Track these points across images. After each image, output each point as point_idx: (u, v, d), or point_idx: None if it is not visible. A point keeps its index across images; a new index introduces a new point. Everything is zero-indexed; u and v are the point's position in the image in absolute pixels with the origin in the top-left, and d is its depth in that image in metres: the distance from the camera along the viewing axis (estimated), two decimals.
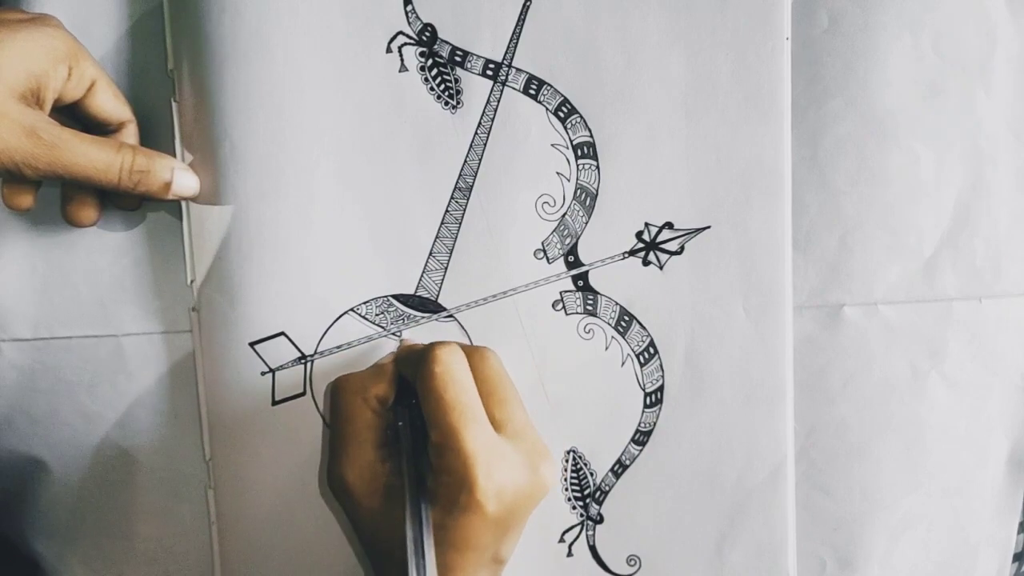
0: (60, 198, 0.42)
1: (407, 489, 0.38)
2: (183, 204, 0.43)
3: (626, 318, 0.45)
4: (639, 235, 0.45)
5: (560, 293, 0.45)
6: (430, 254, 0.44)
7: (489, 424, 0.39)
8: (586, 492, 0.46)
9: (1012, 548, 0.50)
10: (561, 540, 0.46)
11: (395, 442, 0.41)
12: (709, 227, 0.45)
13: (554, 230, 0.45)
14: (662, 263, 0.45)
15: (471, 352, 0.41)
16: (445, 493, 0.38)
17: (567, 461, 0.46)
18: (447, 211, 0.44)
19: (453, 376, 0.38)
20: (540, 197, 0.45)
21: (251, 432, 0.44)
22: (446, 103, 0.44)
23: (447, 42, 0.44)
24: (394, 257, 0.44)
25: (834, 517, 0.48)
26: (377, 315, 0.44)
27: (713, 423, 0.46)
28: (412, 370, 0.40)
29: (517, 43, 0.44)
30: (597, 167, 0.45)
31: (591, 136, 0.44)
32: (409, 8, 0.43)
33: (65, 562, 0.46)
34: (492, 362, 0.41)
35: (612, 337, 0.46)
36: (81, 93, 0.39)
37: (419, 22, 0.43)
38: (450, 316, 0.45)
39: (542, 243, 0.45)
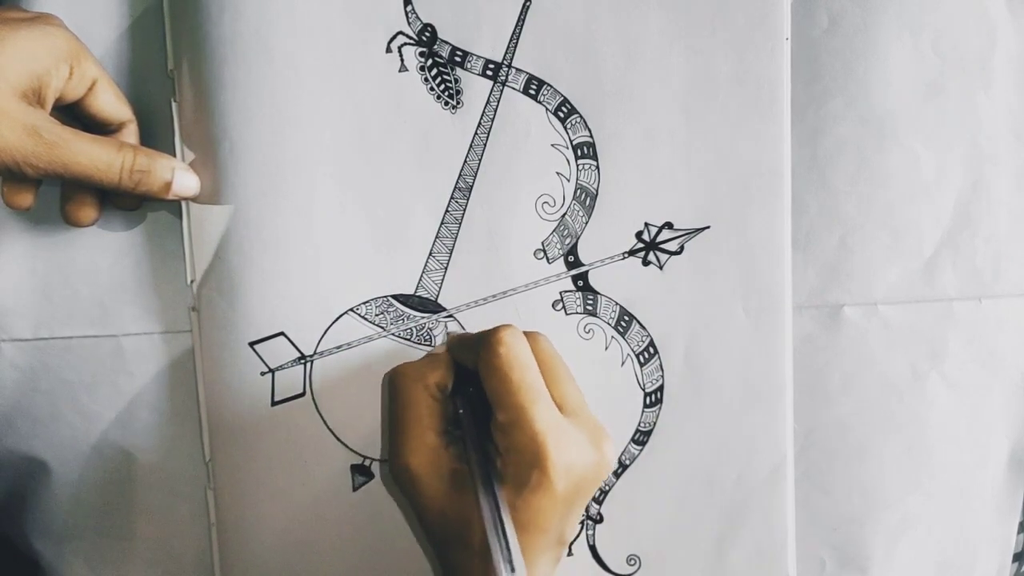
0: (60, 198, 0.42)
1: (476, 472, 0.38)
2: (183, 204, 0.43)
3: (626, 318, 0.45)
4: (639, 235, 0.45)
5: (560, 293, 0.45)
6: (430, 254, 0.44)
7: (553, 403, 0.39)
8: None
9: (1012, 548, 0.50)
10: None
11: (457, 428, 0.41)
12: (709, 227, 0.45)
13: (554, 230, 0.45)
14: (662, 263, 0.45)
15: (526, 335, 0.41)
16: (515, 472, 0.37)
17: None
18: (447, 211, 0.44)
19: (518, 356, 0.38)
20: (540, 197, 0.45)
21: (251, 432, 0.44)
22: (446, 103, 0.44)
23: (447, 42, 0.44)
24: (394, 257, 0.44)
25: (834, 517, 0.48)
26: (377, 315, 0.44)
27: (713, 423, 0.46)
28: (470, 355, 0.40)
29: (517, 43, 0.44)
30: (597, 167, 0.45)
31: (591, 136, 0.44)
32: (409, 8, 0.43)
33: (65, 562, 0.46)
34: (545, 344, 0.41)
35: (612, 337, 0.46)
36: (82, 92, 0.39)
37: (419, 22, 0.43)
38: (450, 316, 0.45)
39: (542, 243, 0.45)
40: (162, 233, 0.44)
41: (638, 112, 0.44)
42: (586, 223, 0.45)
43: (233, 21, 0.41)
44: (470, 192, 0.44)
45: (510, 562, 0.35)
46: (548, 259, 0.45)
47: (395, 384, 0.42)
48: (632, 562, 0.47)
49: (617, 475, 0.46)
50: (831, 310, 0.47)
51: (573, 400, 0.40)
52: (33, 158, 0.36)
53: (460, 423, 0.41)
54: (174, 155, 0.43)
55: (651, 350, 0.46)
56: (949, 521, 0.49)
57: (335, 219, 0.43)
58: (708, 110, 0.44)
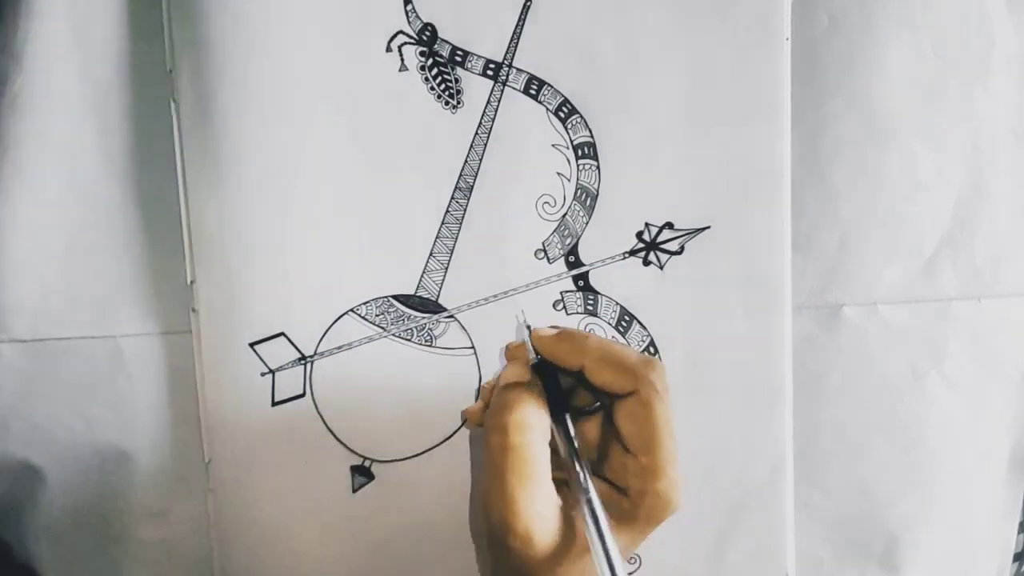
0: None
1: (595, 520, 0.34)
2: (182, 204, 0.43)
3: (626, 318, 0.45)
4: (639, 235, 0.45)
5: (561, 293, 0.45)
6: (430, 254, 0.44)
7: None
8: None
9: (1012, 548, 0.50)
10: None
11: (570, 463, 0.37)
12: (709, 227, 0.45)
13: (554, 230, 0.45)
14: (662, 263, 0.45)
15: None
16: (648, 515, 0.36)
17: None
18: (447, 211, 0.44)
19: (670, 401, 0.36)
20: (540, 197, 0.45)
21: (251, 433, 0.44)
22: (446, 103, 0.44)
23: (447, 42, 0.44)
24: (394, 257, 0.44)
25: (833, 516, 0.48)
26: (377, 315, 0.44)
27: (712, 422, 0.46)
28: (617, 381, 0.37)
29: (517, 43, 0.44)
30: (597, 167, 0.45)
31: (591, 136, 0.44)
32: (409, 7, 0.43)
33: (64, 564, 0.46)
34: None
35: (612, 337, 0.46)
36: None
37: (419, 21, 0.43)
38: (451, 316, 0.45)
39: (542, 243, 0.45)
40: (162, 233, 0.44)
41: (638, 112, 0.44)
42: (586, 223, 0.45)
43: (233, 21, 0.41)
44: (470, 192, 0.44)
45: None
46: (549, 259, 0.45)
47: (513, 438, 0.35)
48: (632, 561, 0.47)
49: None
50: (831, 310, 0.47)
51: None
52: None
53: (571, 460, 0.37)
54: (174, 155, 0.43)
55: (651, 350, 0.46)
56: (949, 521, 0.49)
57: (335, 219, 0.43)
58: (708, 110, 0.44)
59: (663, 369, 0.36)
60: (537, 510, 0.34)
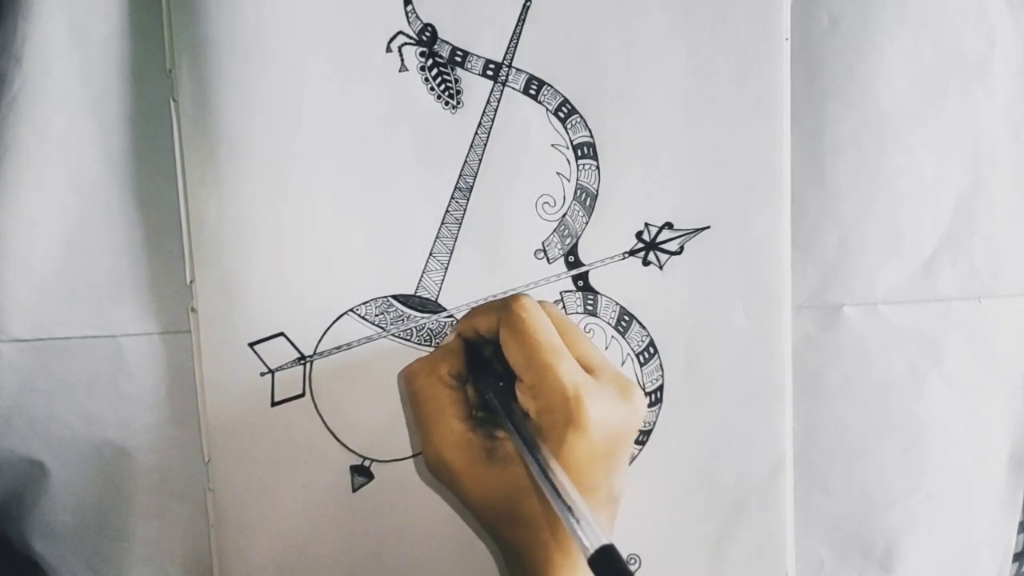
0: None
1: (516, 435, 0.37)
2: (182, 204, 0.43)
3: (626, 318, 0.45)
4: (639, 235, 0.45)
5: (560, 293, 0.45)
6: (430, 254, 0.44)
7: (575, 361, 0.39)
8: None
9: (1012, 548, 0.50)
10: None
11: (481, 411, 0.42)
12: (709, 227, 0.45)
13: (554, 230, 0.45)
14: (662, 263, 0.45)
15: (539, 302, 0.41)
16: (550, 433, 0.37)
17: None
18: (447, 211, 0.44)
19: (539, 319, 0.39)
20: (540, 197, 0.45)
21: (250, 433, 0.44)
22: (446, 103, 0.44)
23: (447, 42, 0.44)
24: (394, 257, 0.44)
25: (833, 516, 0.48)
26: (377, 315, 0.44)
27: (712, 422, 0.46)
28: (489, 322, 0.41)
29: (517, 43, 0.44)
30: (597, 167, 0.45)
31: (591, 136, 0.44)
32: (409, 8, 0.43)
33: (65, 562, 0.46)
34: (556, 310, 0.42)
35: (612, 337, 0.46)
36: None
37: (419, 22, 0.43)
38: (450, 316, 0.45)
39: (542, 243, 0.45)
40: (162, 233, 0.44)
41: (638, 112, 0.44)
42: (586, 223, 0.45)
43: (232, 20, 0.41)
44: (470, 192, 0.44)
45: (569, 507, 0.34)
46: (548, 259, 0.45)
47: (410, 381, 0.42)
48: (632, 561, 0.47)
49: None
50: (831, 310, 0.47)
51: (594, 357, 0.40)
52: None
53: (485, 405, 0.41)
54: (173, 155, 0.43)
55: (651, 350, 0.46)
56: (949, 521, 0.49)
57: (335, 219, 0.43)
58: (708, 110, 0.44)
59: (527, 299, 0.40)
60: (445, 439, 0.40)
